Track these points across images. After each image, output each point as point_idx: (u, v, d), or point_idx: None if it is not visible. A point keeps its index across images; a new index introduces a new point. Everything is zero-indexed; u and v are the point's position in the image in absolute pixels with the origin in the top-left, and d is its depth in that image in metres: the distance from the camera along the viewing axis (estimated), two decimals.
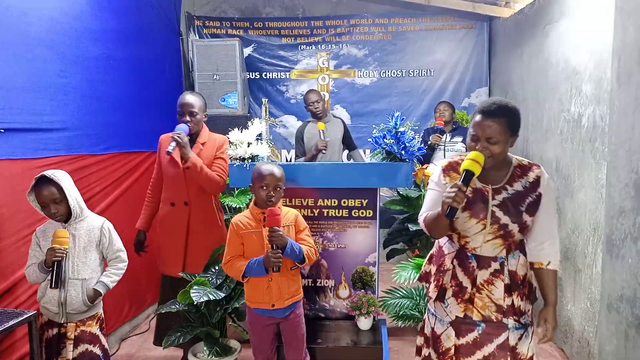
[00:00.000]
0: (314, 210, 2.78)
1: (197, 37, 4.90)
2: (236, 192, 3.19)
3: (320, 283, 2.86)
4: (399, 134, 2.59)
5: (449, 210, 1.55)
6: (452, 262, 1.76)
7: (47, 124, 2.59)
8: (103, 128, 3.08)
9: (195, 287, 2.38)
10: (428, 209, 1.77)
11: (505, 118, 1.60)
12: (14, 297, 2.33)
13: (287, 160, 5.09)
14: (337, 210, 2.78)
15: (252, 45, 5.07)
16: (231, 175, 2.61)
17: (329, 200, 2.77)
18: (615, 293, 1.87)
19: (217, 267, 2.61)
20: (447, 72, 4.99)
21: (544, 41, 3.41)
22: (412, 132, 2.64)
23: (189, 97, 2.64)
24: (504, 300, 1.69)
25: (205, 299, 2.33)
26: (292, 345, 2.28)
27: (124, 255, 2.29)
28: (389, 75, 5.06)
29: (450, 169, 1.76)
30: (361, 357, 2.56)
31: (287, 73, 5.13)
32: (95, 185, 2.97)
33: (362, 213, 2.77)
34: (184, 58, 4.58)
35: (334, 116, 4.24)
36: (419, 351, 1.94)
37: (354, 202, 2.76)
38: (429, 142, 4.11)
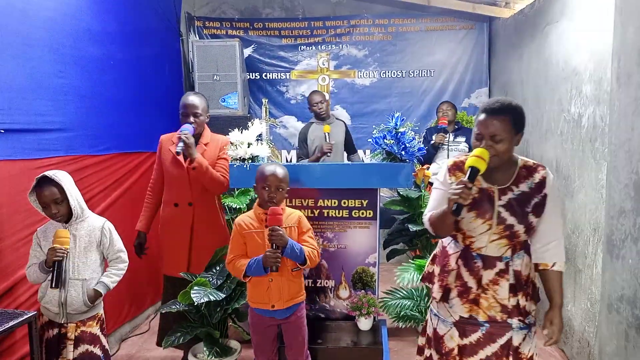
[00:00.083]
0: (314, 210, 2.78)
1: (197, 38, 4.90)
2: (236, 192, 3.19)
3: (321, 283, 2.86)
4: (399, 134, 2.59)
5: (455, 207, 1.54)
6: (456, 262, 1.75)
7: (47, 125, 2.59)
8: (103, 128, 3.08)
9: (195, 287, 2.38)
10: (433, 207, 1.76)
11: (510, 116, 1.60)
12: (14, 298, 2.33)
13: (287, 161, 5.09)
14: (337, 211, 2.77)
15: (252, 46, 5.06)
16: (231, 175, 2.61)
17: (329, 200, 2.77)
18: (615, 293, 1.87)
19: (218, 268, 2.61)
20: (447, 73, 5.00)
21: (544, 41, 3.41)
22: (412, 133, 2.64)
23: (193, 98, 2.63)
24: (509, 300, 1.69)
25: (206, 299, 2.33)
26: (293, 347, 2.27)
27: (124, 255, 2.29)
28: (389, 76, 5.06)
29: (456, 168, 1.75)
30: (361, 358, 2.56)
31: (287, 74, 5.13)
32: (95, 186, 2.97)
33: (362, 213, 2.77)
34: (184, 58, 4.58)
35: (337, 118, 4.18)
36: (420, 351, 1.94)
37: (354, 203, 2.76)
38: (433, 142, 4.11)
